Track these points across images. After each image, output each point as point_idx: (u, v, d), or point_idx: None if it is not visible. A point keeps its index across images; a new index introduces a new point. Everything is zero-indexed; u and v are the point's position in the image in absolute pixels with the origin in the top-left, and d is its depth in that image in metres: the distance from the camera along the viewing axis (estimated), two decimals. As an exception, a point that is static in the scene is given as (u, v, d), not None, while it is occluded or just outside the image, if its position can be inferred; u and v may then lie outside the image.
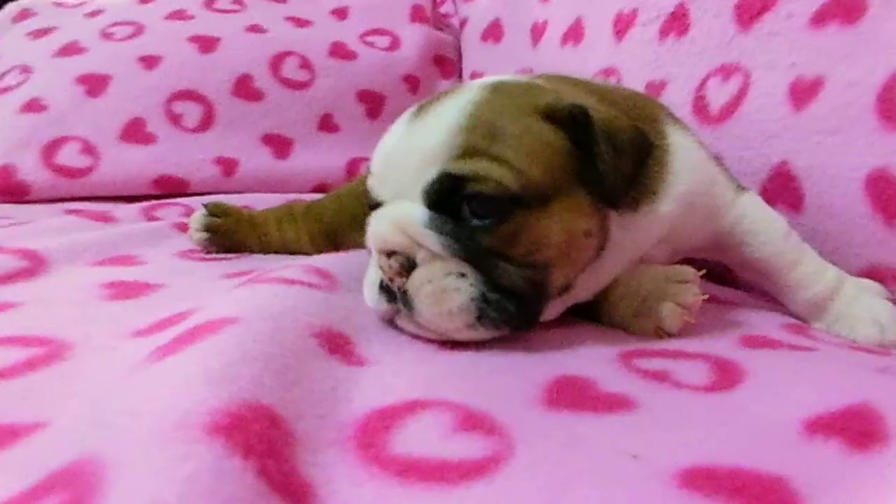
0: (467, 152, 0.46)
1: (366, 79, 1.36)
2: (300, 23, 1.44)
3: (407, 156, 0.48)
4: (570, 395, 0.40)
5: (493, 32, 1.41)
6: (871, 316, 0.58)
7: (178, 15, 1.39)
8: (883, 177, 0.61)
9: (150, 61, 1.27)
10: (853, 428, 0.35)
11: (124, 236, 0.78)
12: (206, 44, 1.31)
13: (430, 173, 0.46)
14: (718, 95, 0.82)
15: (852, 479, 0.32)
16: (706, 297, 0.53)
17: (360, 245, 0.81)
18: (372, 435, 0.34)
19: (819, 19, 0.72)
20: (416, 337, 0.48)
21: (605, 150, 0.47)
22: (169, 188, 1.19)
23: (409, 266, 0.46)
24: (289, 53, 1.33)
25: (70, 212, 1.03)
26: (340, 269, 0.58)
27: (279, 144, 1.27)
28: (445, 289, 0.45)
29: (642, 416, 0.38)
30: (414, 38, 1.43)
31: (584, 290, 0.53)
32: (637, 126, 0.52)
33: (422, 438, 0.33)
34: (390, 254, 0.46)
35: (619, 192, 0.49)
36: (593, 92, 0.58)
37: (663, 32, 0.93)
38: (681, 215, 0.57)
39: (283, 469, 0.28)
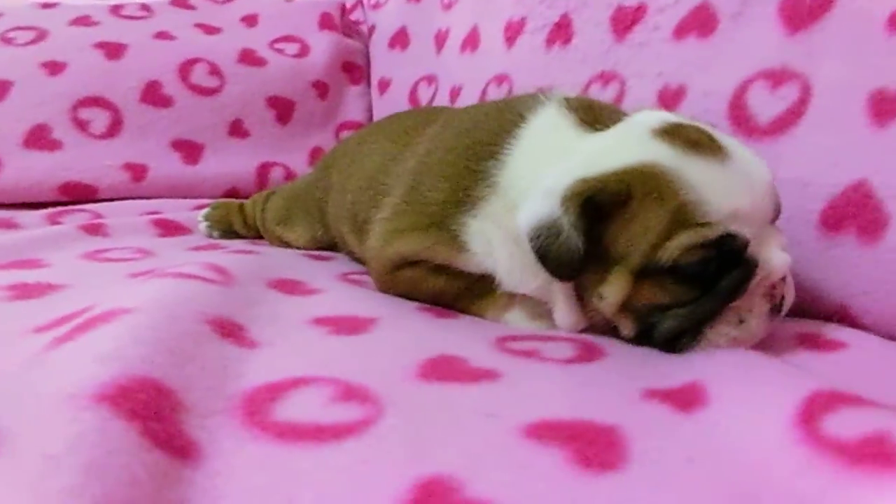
0: None
1: (275, 85, 1.38)
2: (209, 30, 1.45)
3: (767, 185, 0.52)
4: (443, 370, 0.45)
5: (400, 39, 1.46)
6: None
7: (83, 21, 1.39)
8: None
9: (53, 67, 1.26)
10: (683, 397, 0.41)
11: (29, 240, 0.79)
12: (113, 50, 1.31)
13: (776, 201, 0.53)
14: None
15: (674, 429, 0.38)
16: None
17: (279, 237, 0.94)
18: (258, 404, 0.38)
19: (680, 31, 0.80)
20: (315, 322, 0.52)
21: None
22: (76, 194, 1.19)
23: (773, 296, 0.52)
24: (198, 60, 1.34)
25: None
26: (238, 268, 0.61)
27: (189, 150, 1.29)
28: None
29: (505, 384, 0.43)
30: (323, 45, 1.47)
31: None
32: None
33: (302, 408, 0.38)
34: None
35: None
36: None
37: (550, 41, 0.99)
38: None
39: (168, 430, 0.31)
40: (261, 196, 1.03)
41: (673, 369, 0.46)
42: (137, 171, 1.23)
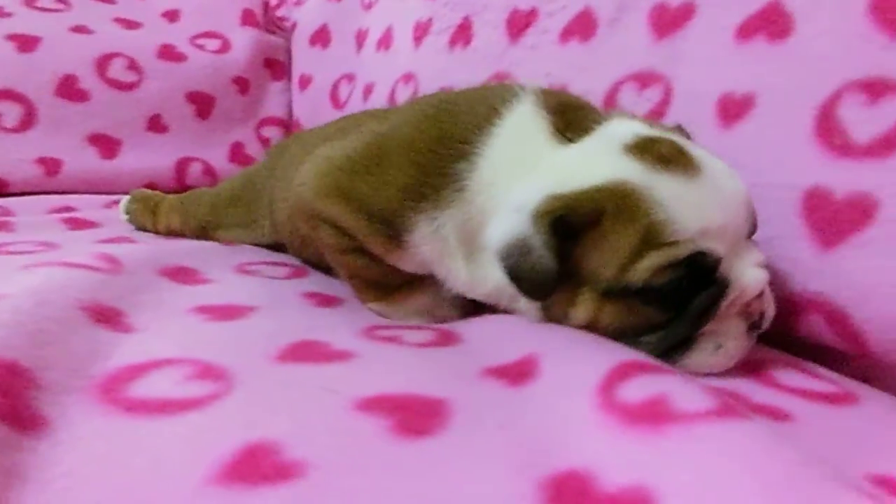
0: None
1: (195, 81, 1.39)
2: (129, 24, 1.45)
3: (739, 207, 0.51)
4: (303, 352, 0.47)
5: (321, 37, 1.48)
6: None
7: (-5, 12, 1.38)
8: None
9: (-37, 59, 1.25)
10: (516, 373, 0.45)
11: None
12: (26, 43, 1.30)
13: (752, 216, 0.52)
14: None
15: (499, 402, 0.41)
16: None
17: (222, 239, 0.91)
18: (115, 383, 0.40)
19: (565, 35, 0.85)
20: (198, 310, 0.55)
21: None
22: (-15, 188, 1.18)
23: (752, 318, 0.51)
24: (116, 55, 1.34)
25: None
26: (130, 258, 0.63)
27: (106, 144, 1.29)
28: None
29: (356, 364, 0.46)
30: (244, 41, 1.48)
31: None
32: None
33: (157, 386, 0.41)
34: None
35: None
36: None
37: (452, 42, 1.04)
38: None
39: (16, 405, 0.34)
40: (178, 198, 1.00)
41: (512, 348, 0.50)
42: (51, 166, 1.23)
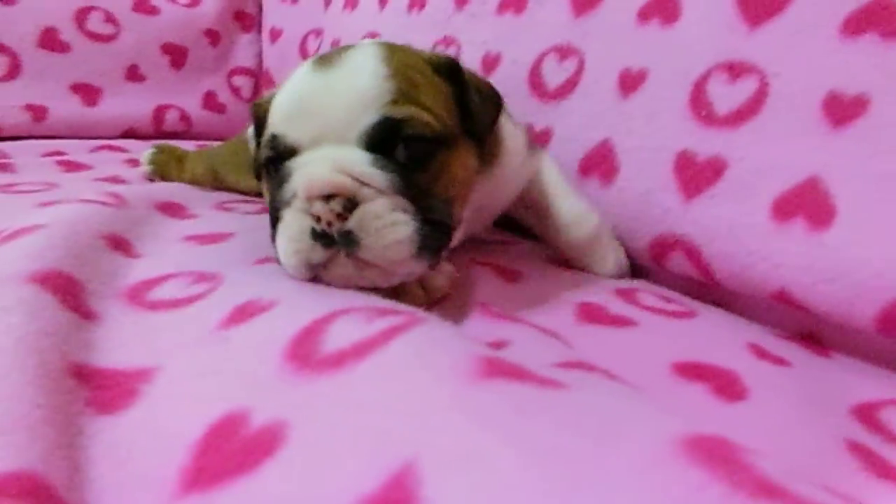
0: (400, 98, 0.49)
1: (169, 33, 1.49)
2: (104, -23, 1.53)
3: (333, 101, 0.49)
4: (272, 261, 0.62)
5: (291, -7, 1.58)
6: (616, 257, 0.75)
7: (-24, -34, 1.45)
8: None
9: (-53, 12, 1.33)
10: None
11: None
12: (7, -5, 1.38)
13: (370, 117, 0.49)
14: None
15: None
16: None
17: (235, 185, 1.01)
18: (137, 292, 0.55)
19: (501, 8, 0.98)
20: (187, 239, 0.69)
21: (473, 96, 0.55)
22: (-22, 133, 1.29)
23: (350, 207, 0.47)
24: (93, 8, 1.43)
25: None
26: (132, 194, 0.77)
27: (88, 93, 1.39)
28: (395, 222, 0.48)
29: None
30: (214, -6, 1.58)
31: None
32: (489, 82, 0.62)
33: (168, 291, 0.55)
34: (327, 198, 0.47)
35: (485, 131, 0.57)
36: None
37: (410, 5, 1.16)
38: (509, 174, 0.69)
39: (77, 302, 0.48)
40: (199, 151, 1.10)
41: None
42: (38, 112, 1.34)
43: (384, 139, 0.49)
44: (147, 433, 0.37)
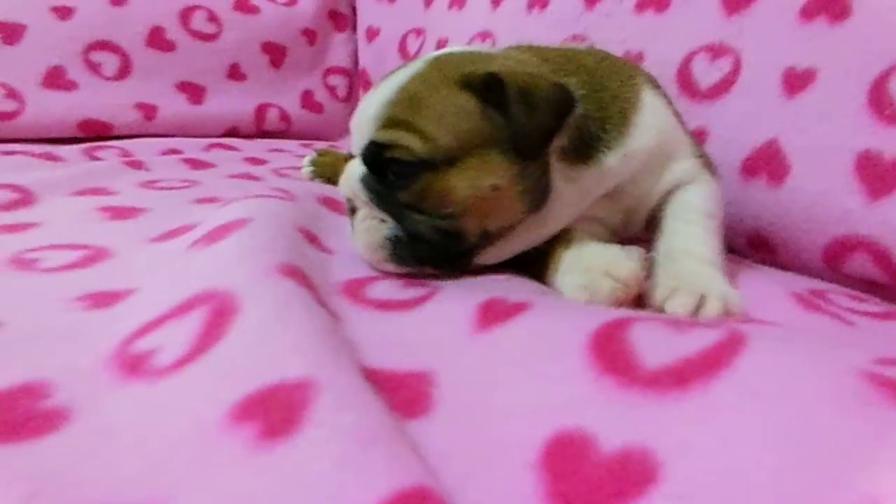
0: (390, 123, 0.55)
1: (268, 32, 1.50)
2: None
3: (360, 120, 0.58)
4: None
5: (387, -7, 1.58)
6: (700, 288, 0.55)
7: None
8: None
9: (63, 12, 1.35)
10: None
11: (88, 172, 0.92)
12: (117, -5, 1.40)
13: (364, 139, 0.56)
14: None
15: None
16: (645, 275, 0.55)
17: None
18: (352, 289, 0.54)
19: (641, 6, 0.96)
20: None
21: (516, 110, 0.53)
22: (93, 131, 1.31)
23: (353, 210, 0.59)
24: (197, 7, 1.45)
25: (8, 153, 1.13)
26: (294, 188, 0.77)
27: (193, 91, 1.41)
28: (369, 228, 0.57)
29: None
30: (310, -7, 1.59)
31: (527, 237, 0.59)
32: (558, 84, 0.56)
33: (382, 290, 0.54)
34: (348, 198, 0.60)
35: (532, 146, 0.54)
36: (549, 58, 0.63)
37: (530, 5, 1.15)
38: (636, 171, 0.63)
39: (321, 299, 0.48)
40: None
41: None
42: (148, 111, 1.35)
43: (374, 159, 0.56)
44: (470, 440, 0.35)
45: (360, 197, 0.57)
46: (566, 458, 0.32)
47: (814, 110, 0.76)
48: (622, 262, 0.54)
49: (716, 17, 0.87)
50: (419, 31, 1.45)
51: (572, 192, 0.59)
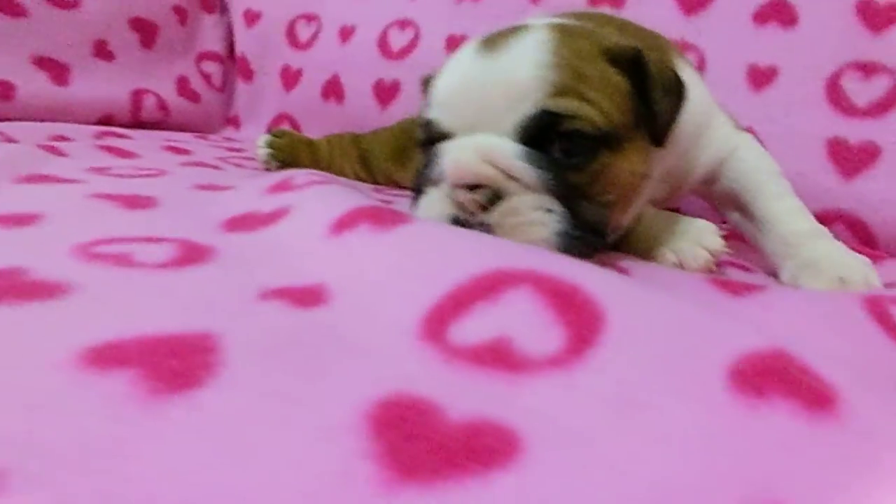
0: (562, 90, 0.46)
1: (136, 5, 1.32)
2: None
3: (491, 89, 0.47)
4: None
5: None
6: (836, 271, 0.54)
7: None
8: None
9: None
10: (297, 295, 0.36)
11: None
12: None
13: (526, 108, 0.46)
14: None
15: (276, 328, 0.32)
16: (727, 250, 0.56)
17: (391, 175, 0.93)
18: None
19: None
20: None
21: (658, 93, 0.49)
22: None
23: (494, 199, 0.45)
24: (49, -30, 1.23)
25: None
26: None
27: (55, 69, 1.20)
28: (533, 222, 0.45)
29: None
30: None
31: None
32: (672, 69, 0.53)
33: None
34: (473, 187, 0.45)
35: (666, 133, 0.51)
36: (620, 29, 0.58)
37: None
38: (687, 149, 0.60)
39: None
40: (340, 137, 1.00)
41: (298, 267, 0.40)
42: (5, 89, 1.12)
43: (540, 133, 0.46)
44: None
45: (524, 179, 0.45)
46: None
47: (780, 102, 0.87)
48: (712, 234, 0.55)
49: (674, 15, 0.96)
50: (311, 17, 1.38)
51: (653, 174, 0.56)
